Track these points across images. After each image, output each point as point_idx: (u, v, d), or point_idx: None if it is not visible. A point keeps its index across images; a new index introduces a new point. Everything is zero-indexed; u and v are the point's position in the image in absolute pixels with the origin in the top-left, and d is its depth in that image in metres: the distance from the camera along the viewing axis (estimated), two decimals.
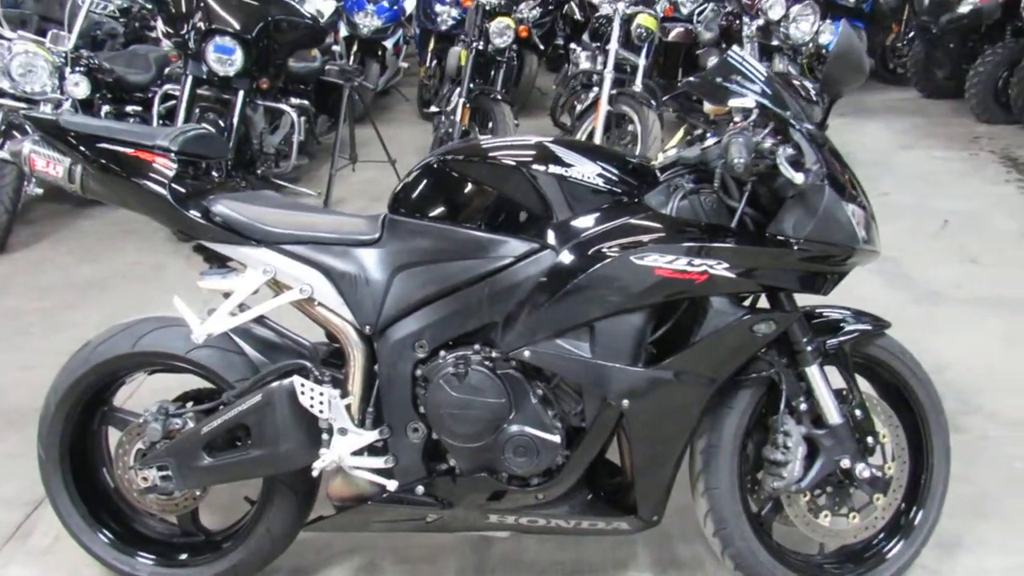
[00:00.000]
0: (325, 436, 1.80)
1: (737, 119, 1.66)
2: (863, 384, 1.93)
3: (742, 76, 1.68)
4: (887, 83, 7.37)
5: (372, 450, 1.81)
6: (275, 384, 1.80)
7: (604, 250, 1.62)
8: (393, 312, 1.76)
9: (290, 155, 4.91)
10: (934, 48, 6.46)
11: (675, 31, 5.84)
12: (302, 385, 1.78)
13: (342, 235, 1.80)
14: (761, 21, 4.53)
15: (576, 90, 4.90)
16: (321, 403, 1.77)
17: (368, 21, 6.59)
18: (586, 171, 1.69)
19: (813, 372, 1.77)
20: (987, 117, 6.07)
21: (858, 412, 1.81)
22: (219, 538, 2.04)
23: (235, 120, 4.48)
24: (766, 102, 1.63)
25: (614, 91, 4.53)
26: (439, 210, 1.77)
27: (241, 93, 4.47)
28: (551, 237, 1.67)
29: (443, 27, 6.20)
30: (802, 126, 1.62)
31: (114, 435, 1.99)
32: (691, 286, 1.62)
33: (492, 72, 5.00)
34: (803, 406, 1.79)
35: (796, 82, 4.44)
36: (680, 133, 4.12)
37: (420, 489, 1.82)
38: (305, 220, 1.83)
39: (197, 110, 4.42)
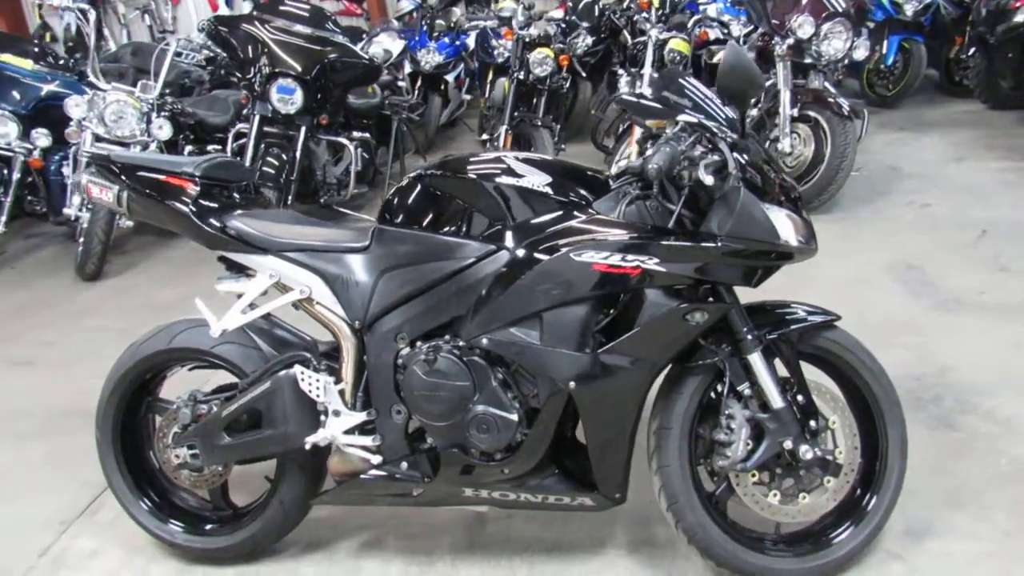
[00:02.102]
0: (322, 417, 2.08)
1: (669, 130, 1.86)
2: (819, 375, 2.07)
3: (677, 93, 1.87)
4: (951, 96, 7.24)
5: (362, 430, 2.07)
6: (280, 373, 2.10)
7: (548, 249, 1.85)
8: (378, 309, 2.02)
9: (349, 184, 5.29)
10: (994, 59, 6.35)
11: (719, 54, 5.97)
12: (302, 373, 2.06)
13: (337, 243, 2.09)
14: (792, 40, 4.64)
15: (620, 113, 5.11)
16: (318, 389, 2.05)
17: (430, 57, 6.99)
18: (537, 181, 1.92)
19: (755, 359, 1.92)
20: None
21: (800, 397, 1.95)
22: (244, 512, 2.34)
23: (297, 153, 4.90)
24: (691, 117, 1.82)
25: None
26: (416, 219, 2.03)
27: (303, 129, 4.90)
28: (505, 239, 1.91)
29: (499, 60, 6.53)
30: (726, 136, 1.80)
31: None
32: (627, 279, 1.82)
33: (535, 100, 5.27)
34: (747, 391, 1.95)
35: (831, 99, 4.53)
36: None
37: (404, 465, 2.07)
38: (306, 231, 2.12)
39: (263, 145, 4.86)
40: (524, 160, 1.97)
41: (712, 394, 2.01)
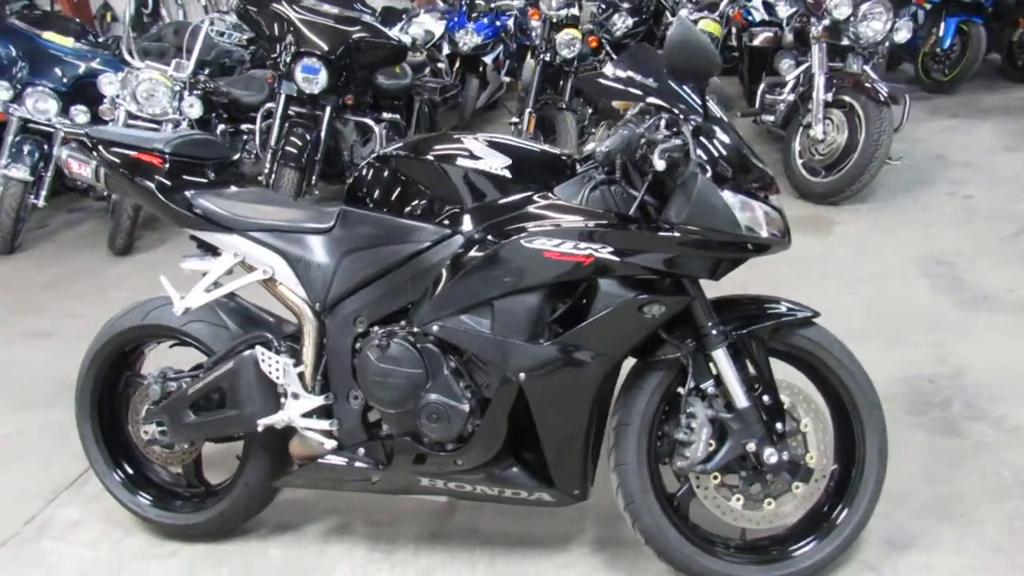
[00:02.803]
0: (282, 400, 2.06)
1: (631, 113, 1.77)
2: (797, 375, 1.96)
3: (641, 73, 1.77)
4: (1014, 82, 6.86)
5: (320, 413, 2.05)
6: (243, 353, 2.09)
7: (500, 235, 1.78)
8: (339, 292, 1.99)
9: None
10: None
11: (762, 35, 5.77)
12: (263, 354, 2.05)
13: (302, 224, 2.06)
14: (828, 21, 4.43)
15: None
16: (278, 370, 2.04)
17: (467, 39, 6.93)
18: (495, 164, 1.85)
19: (719, 356, 1.83)
20: None
21: (766, 398, 1.85)
22: (215, 490, 2.34)
23: (322, 133, 4.90)
24: (653, 99, 1.72)
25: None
26: (382, 200, 1.98)
27: (328, 109, 4.89)
28: (460, 223, 1.85)
29: (536, 41, 6.42)
30: (690, 119, 1.71)
31: None
32: (579, 268, 1.74)
33: (561, 82, 5.16)
34: (711, 389, 1.85)
35: (868, 84, 4.32)
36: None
37: (362, 451, 2.04)
38: (272, 211, 2.09)
39: (288, 125, 4.87)
40: (489, 143, 1.91)
41: (679, 391, 1.92)
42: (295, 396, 2.04)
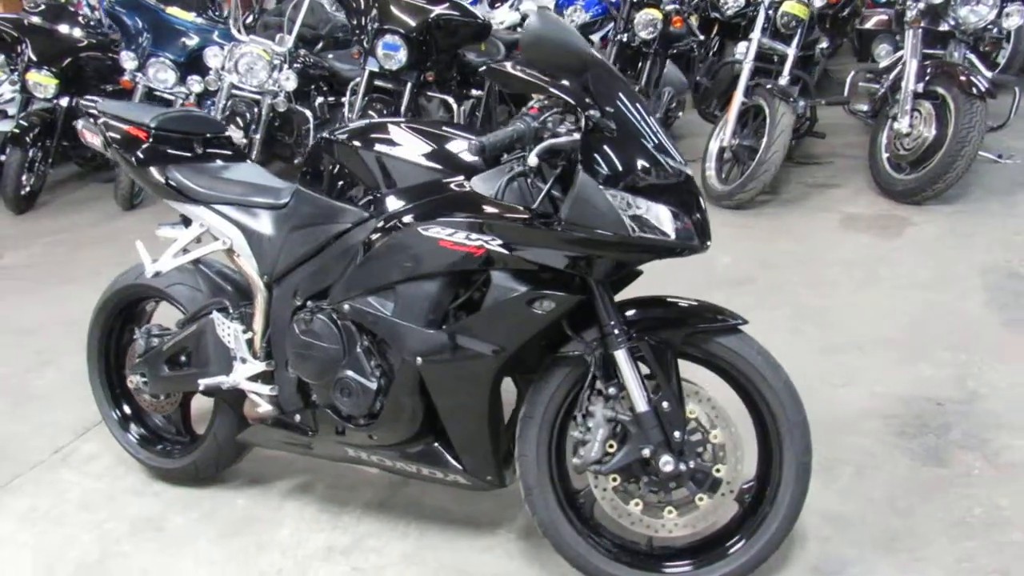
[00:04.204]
0: (233, 363, 2.21)
1: (536, 104, 1.74)
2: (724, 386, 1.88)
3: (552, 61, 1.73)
4: None
5: (264, 379, 2.18)
6: (204, 317, 2.25)
7: (403, 221, 1.82)
8: (284, 266, 2.11)
9: None
10: None
11: (875, 18, 5.36)
12: (219, 320, 2.20)
13: (260, 200, 2.18)
14: (923, 4, 4.05)
15: (730, 81, 4.78)
16: (229, 335, 2.19)
17: (576, 16, 6.85)
18: (411, 152, 1.88)
19: (620, 357, 1.79)
20: None
21: (665, 404, 1.79)
22: (197, 440, 2.55)
23: (401, 109, 5.06)
24: (555, 91, 1.69)
25: (752, 83, 4.38)
26: (322, 181, 2.07)
27: (408, 85, 5.04)
28: (374, 207, 1.90)
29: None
30: (589, 113, 1.65)
31: None
32: (471, 259, 1.75)
33: (640, 64, 5.02)
34: (612, 390, 1.82)
35: (963, 75, 3.93)
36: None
37: (297, 417, 2.16)
38: (238, 188, 2.23)
39: (369, 99, 5.06)
40: (412, 128, 1.94)
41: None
42: (243, 360, 2.19)
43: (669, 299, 1.88)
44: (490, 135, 1.64)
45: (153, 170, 2.27)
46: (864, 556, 1.98)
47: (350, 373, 1.96)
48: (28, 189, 5.75)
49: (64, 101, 5.78)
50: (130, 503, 2.50)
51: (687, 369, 1.86)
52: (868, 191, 4.40)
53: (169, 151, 2.30)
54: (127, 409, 2.63)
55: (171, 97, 5.65)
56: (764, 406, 1.84)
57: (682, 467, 1.80)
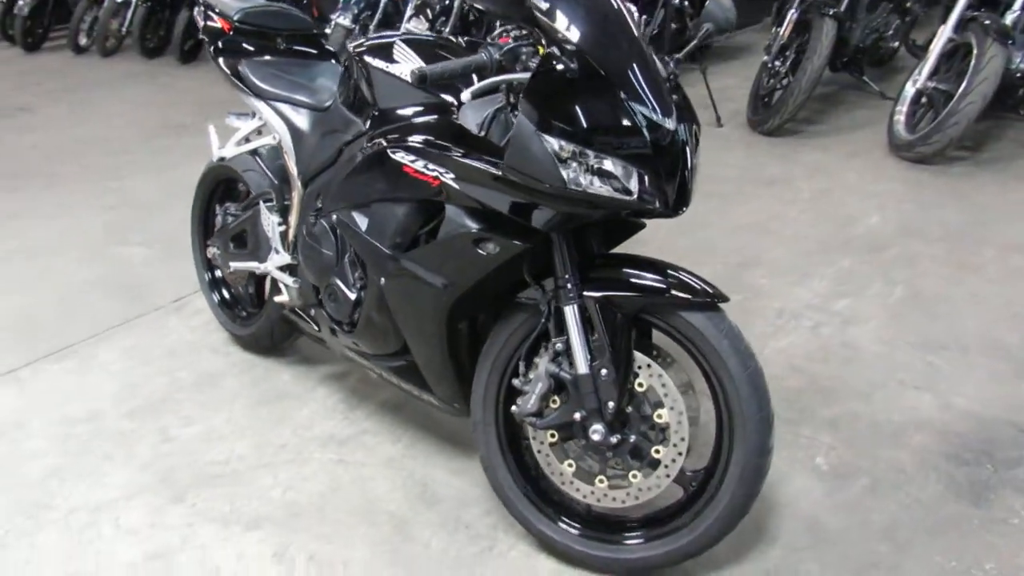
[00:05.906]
0: (270, 252, 2.38)
1: (504, 34, 1.63)
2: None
3: None
4: None
5: (291, 271, 2.33)
6: (257, 206, 2.43)
7: (379, 141, 1.82)
8: (314, 168, 2.21)
9: None
10: None
11: None
12: (264, 210, 2.37)
13: (308, 100, 2.28)
14: None
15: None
16: (268, 226, 2.35)
17: None
18: (407, 70, 1.85)
19: (568, 313, 1.69)
20: None
21: (604, 372, 1.67)
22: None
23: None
24: (525, 22, 1.56)
25: (968, 15, 3.70)
26: (340, 91, 2.12)
27: None
28: (367, 123, 1.91)
29: None
30: (550, 50, 1.52)
31: None
32: (428, 188, 1.72)
33: None
34: (559, 345, 1.74)
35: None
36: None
37: (312, 312, 2.29)
38: (292, 87, 2.33)
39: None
40: (413, 43, 1.89)
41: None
42: (276, 251, 2.35)
43: (645, 262, 1.73)
44: (438, 64, 1.56)
45: (227, 60, 2.42)
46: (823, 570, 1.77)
47: (337, 280, 2.04)
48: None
49: None
50: (206, 358, 2.82)
51: (661, 340, 1.73)
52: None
53: (244, 45, 2.45)
54: (217, 274, 2.93)
55: None
56: (721, 393, 1.67)
57: (613, 439, 1.70)
